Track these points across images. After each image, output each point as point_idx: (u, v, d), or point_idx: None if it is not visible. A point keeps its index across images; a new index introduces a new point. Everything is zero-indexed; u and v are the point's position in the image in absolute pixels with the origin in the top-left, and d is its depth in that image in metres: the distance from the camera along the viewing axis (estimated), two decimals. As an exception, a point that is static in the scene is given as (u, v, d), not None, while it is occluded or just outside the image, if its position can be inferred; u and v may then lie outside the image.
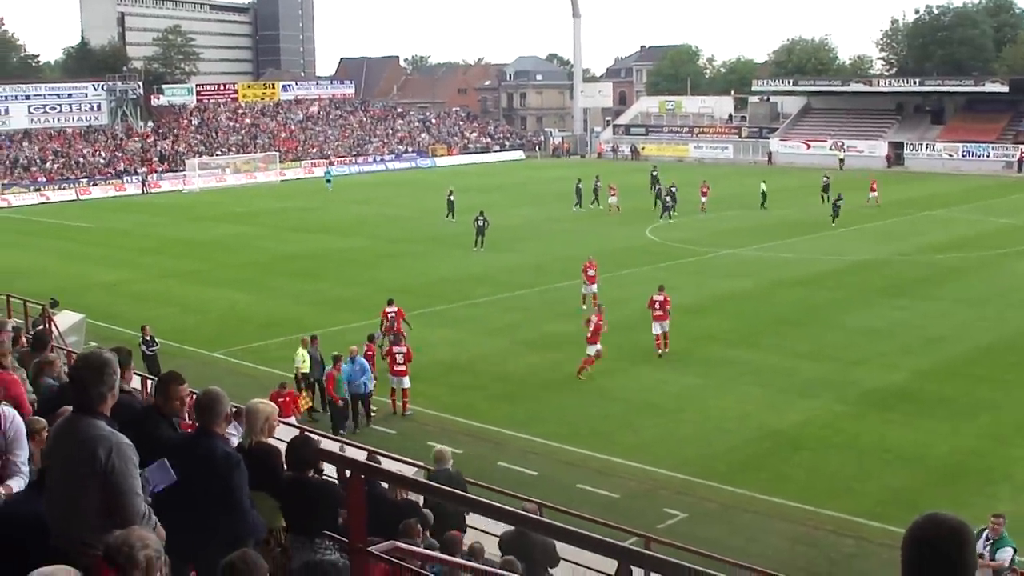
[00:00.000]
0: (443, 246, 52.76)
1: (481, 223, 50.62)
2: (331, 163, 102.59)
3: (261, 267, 48.02)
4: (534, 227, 58.52)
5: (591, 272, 36.35)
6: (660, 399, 26.72)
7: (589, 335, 28.48)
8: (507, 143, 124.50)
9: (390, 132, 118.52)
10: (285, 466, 7.56)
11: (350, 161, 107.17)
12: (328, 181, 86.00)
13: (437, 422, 25.33)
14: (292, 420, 20.33)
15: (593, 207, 65.75)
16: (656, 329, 31.06)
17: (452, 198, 61.58)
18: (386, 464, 14.19)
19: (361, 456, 13.56)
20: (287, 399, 23.00)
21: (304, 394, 25.21)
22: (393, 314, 30.26)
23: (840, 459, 22.52)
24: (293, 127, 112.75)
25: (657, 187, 66.62)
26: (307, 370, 26.02)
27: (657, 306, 31.08)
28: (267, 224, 63.76)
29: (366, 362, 25.06)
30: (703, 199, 63.73)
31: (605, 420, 25.19)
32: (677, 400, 26.71)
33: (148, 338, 28.50)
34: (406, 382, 26.05)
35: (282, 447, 7.94)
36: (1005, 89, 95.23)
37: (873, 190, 65.49)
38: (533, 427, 24.61)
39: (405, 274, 44.41)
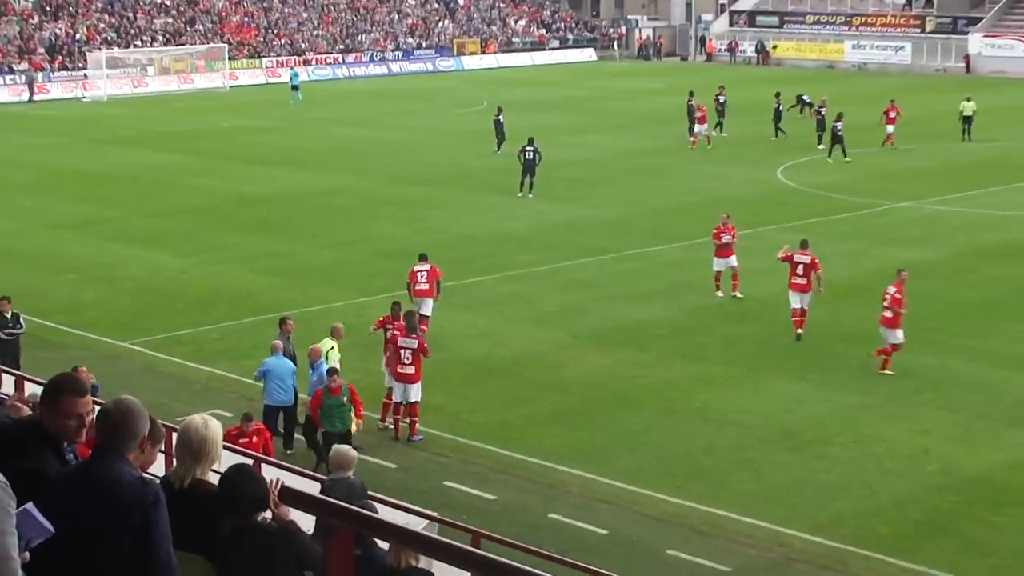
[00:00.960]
0: (473, 189, 53.40)
1: (530, 156, 50.91)
2: (305, 62, 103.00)
3: (199, 216, 48.61)
4: (610, 164, 59.09)
5: (725, 238, 36.12)
6: (795, 424, 26.83)
7: (888, 315, 29.64)
8: (571, 37, 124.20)
9: (395, 18, 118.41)
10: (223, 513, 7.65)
11: (335, 60, 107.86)
12: (295, 88, 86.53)
13: (457, 451, 25.71)
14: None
15: (717, 134, 66.14)
16: (795, 302, 31.76)
17: (501, 119, 62.08)
18: (385, 514, 14.17)
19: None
20: (253, 439, 22.56)
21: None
22: (425, 274, 32.13)
23: (1071, 522, 22.46)
24: (250, 7, 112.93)
25: (777, 106, 66.20)
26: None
27: (800, 271, 32.08)
28: (208, 152, 64.45)
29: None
30: (889, 128, 62.64)
31: (711, 454, 25.37)
32: (820, 427, 26.88)
33: (9, 315, 28.91)
34: (415, 392, 26.38)
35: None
36: None
37: (891, 120, 63.29)
38: (602, 463, 24.88)
39: (414, 230, 45.10)
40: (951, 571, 20.59)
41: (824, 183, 53.75)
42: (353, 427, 24.28)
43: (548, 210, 48.49)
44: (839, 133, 58.42)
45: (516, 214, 48.25)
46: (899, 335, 29.69)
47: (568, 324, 33.98)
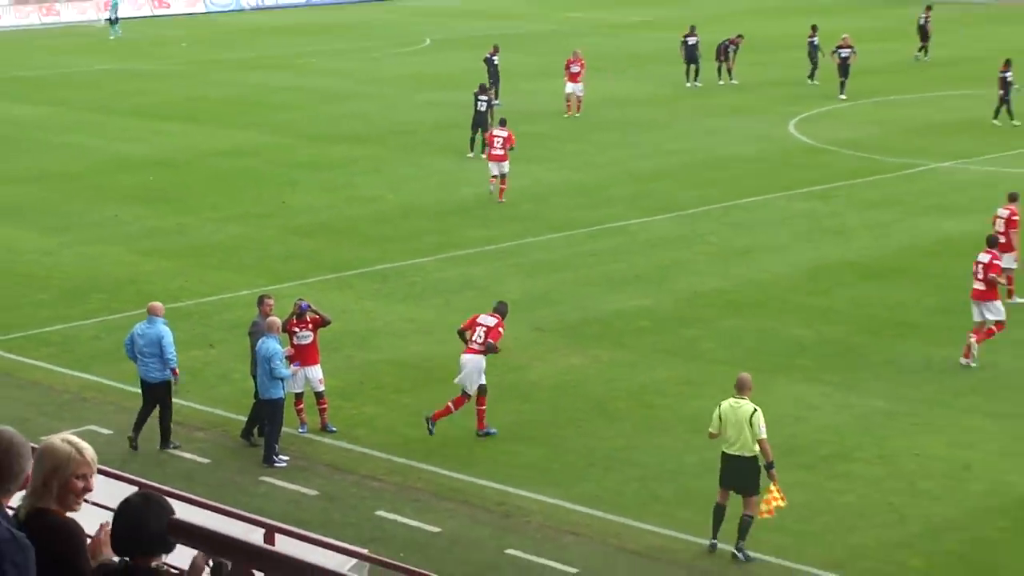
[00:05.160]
0: (413, 148, 53.77)
1: (481, 107, 51.33)
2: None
3: (68, 183, 48.54)
4: (583, 115, 59.16)
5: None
6: (807, 436, 26.91)
7: (981, 287, 30.57)
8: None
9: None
10: (111, 549, 7.86)
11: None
12: (113, 22, 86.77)
13: (393, 474, 25.84)
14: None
15: (726, 82, 67.54)
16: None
17: (496, 59, 62.24)
18: (299, 550, 14.30)
19: (255, 536, 13.69)
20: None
21: None
22: (501, 140, 45.21)
23: None
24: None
25: (812, 41, 67.09)
26: None
27: (1000, 226, 33.91)
28: (80, 102, 64.28)
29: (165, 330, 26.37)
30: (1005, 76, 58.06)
31: (706, 475, 24.74)
32: (838, 439, 27.03)
33: None
34: (318, 379, 27.35)
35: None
36: None
37: None
38: (571, 486, 25.02)
39: (339, 199, 46.00)
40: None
41: (846, 138, 54.12)
42: None
43: (506, 173, 47.10)
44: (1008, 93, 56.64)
45: (466, 179, 48.48)
46: (999, 309, 30.58)
47: (531, 316, 33.82)
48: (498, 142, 44.64)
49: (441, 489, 25.20)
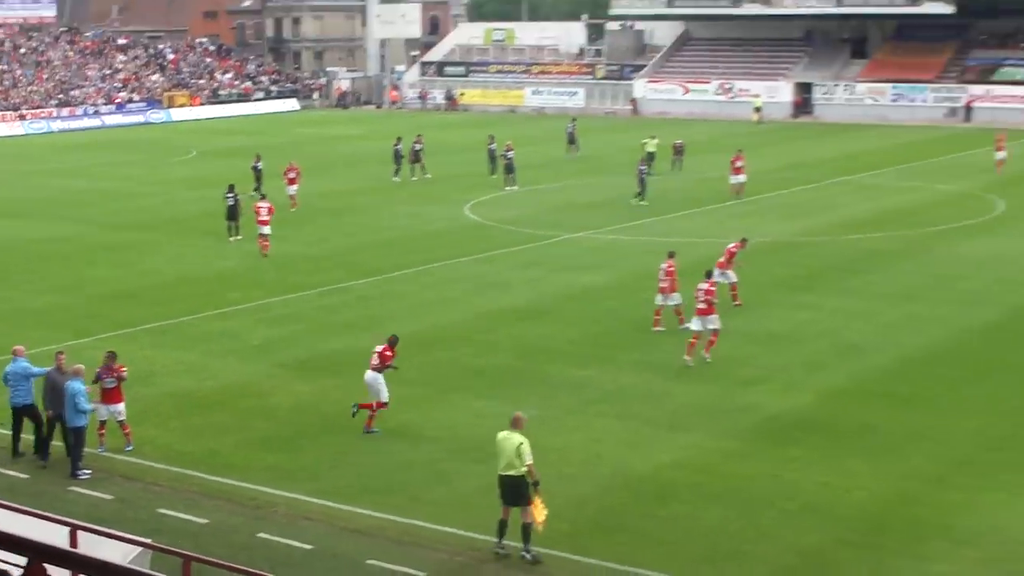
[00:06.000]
0: (185, 233, 53.27)
1: (231, 203, 51.27)
2: (21, 116, 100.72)
3: (-86, 268, 47.31)
4: (313, 205, 59.44)
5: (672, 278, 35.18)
6: (481, 438, 26.42)
7: (703, 306, 31.98)
8: (274, 89, 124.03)
9: (108, 73, 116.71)
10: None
11: (50, 114, 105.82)
12: None
13: (171, 480, 25.46)
14: None
15: (420, 176, 68.42)
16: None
17: (259, 165, 62.23)
18: (98, 545, 13.98)
19: (59, 536, 13.35)
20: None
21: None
22: (265, 210, 47.82)
23: (725, 512, 23.12)
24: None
25: (491, 146, 68.69)
26: None
27: (662, 275, 34.99)
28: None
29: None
30: (738, 179, 59.42)
31: (406, 470, 25.60)
32: (505, 439, 27.12)
33: None
34: (119, 411, 26.89)
35: None
36: (950, 10, 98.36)
37: (738, 170, 59.35)
38: (306, 483, 24.99)
39: (130, 272, 45.26)
40: (625, 563, 20.95)
41: (507, 217, 55.18)
42: None
43: (255, 250, 48.16)
44: (644, 177, 58.16)
45: (225, 255, 48.28)
46: (717, 321, 32.00)
47: (274, 356, 33.93)
48: (263, 211, 47.30)
49: (207, 489, 24.90)
